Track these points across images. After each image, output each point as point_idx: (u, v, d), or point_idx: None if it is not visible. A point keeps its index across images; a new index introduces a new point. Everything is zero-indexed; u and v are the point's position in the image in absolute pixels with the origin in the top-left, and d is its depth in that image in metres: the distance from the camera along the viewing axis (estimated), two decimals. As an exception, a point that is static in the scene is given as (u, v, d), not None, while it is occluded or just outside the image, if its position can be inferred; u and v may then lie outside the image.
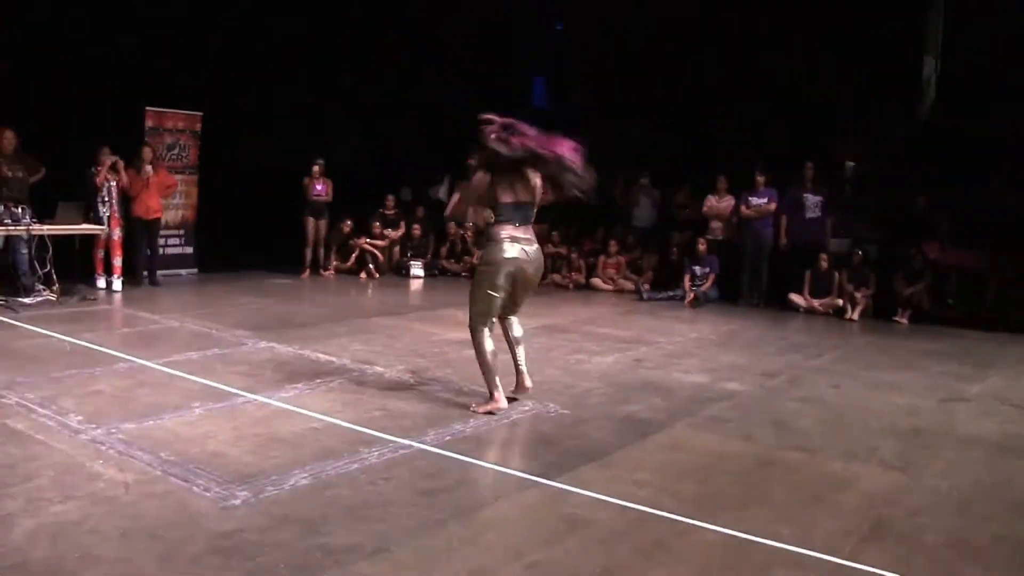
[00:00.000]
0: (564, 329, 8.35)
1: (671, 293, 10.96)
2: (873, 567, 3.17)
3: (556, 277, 12.06)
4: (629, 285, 11.55)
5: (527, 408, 5.28)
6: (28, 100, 9.31)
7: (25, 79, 9.43)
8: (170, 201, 11.09)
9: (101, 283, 9.80)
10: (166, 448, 4.17)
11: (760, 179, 10.87)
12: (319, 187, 11.99)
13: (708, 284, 10.88)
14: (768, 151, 11.17)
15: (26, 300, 8.47)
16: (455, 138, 13.31)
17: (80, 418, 4.63)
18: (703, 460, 4.43)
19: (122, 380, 5.53)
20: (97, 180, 9.69)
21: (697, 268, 11.04)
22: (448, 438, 4.58)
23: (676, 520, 3.54)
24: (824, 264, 10.35)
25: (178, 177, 11.18)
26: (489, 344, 5.19)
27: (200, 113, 11.54)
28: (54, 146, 9.40)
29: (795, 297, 10.45)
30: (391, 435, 4.57)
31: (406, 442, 4.46)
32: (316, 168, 11.87)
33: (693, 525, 3.50)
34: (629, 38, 13.25)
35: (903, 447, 4.83)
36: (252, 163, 11.61)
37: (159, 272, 10.53)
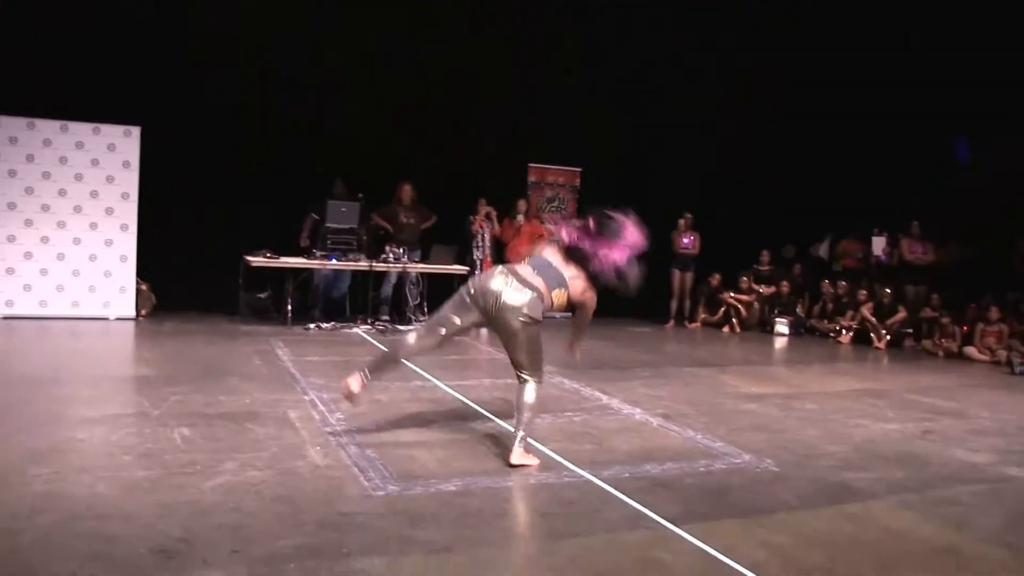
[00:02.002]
0: (880, 395, 7.75)
1: (1062, 369, 9.51)
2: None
3: (928, 344, 11.08)
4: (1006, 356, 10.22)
5: (738, 461, 5.17)
6: (423, 156, 11.07)
7: (420, 139, 11.22)
8: (541, 249, 12.28)
9: (473, 318, 11.20)
10: (376, 448, 4.92)
11: None
12: (686, 240, 12.39)
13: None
14: None
15: (402, 327, 10.05)
16: (840, 194, 13.08)
17: (341, 417, 5.60)
18: (867, 536, 4.04)
19: (403, 394, 6.47)
20: (473, 227, 11.16)
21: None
22: (626, 475, 4.71)
23: (759, 582, 3.41)
24: None
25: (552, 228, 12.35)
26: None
27: (579, 169, 12.63)
28: (442, 197, 11.03)
29: None
30: (573, 464, 4.84)
31: (579, 471, 4.70)
32: (683, 222, 12.30)
33: (774, 590, 3.34)
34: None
35: None
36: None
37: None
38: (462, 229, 11.22)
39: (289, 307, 9.80)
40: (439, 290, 10.67)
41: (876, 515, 4.35)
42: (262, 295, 10.41)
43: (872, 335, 11.49)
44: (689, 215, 12.32)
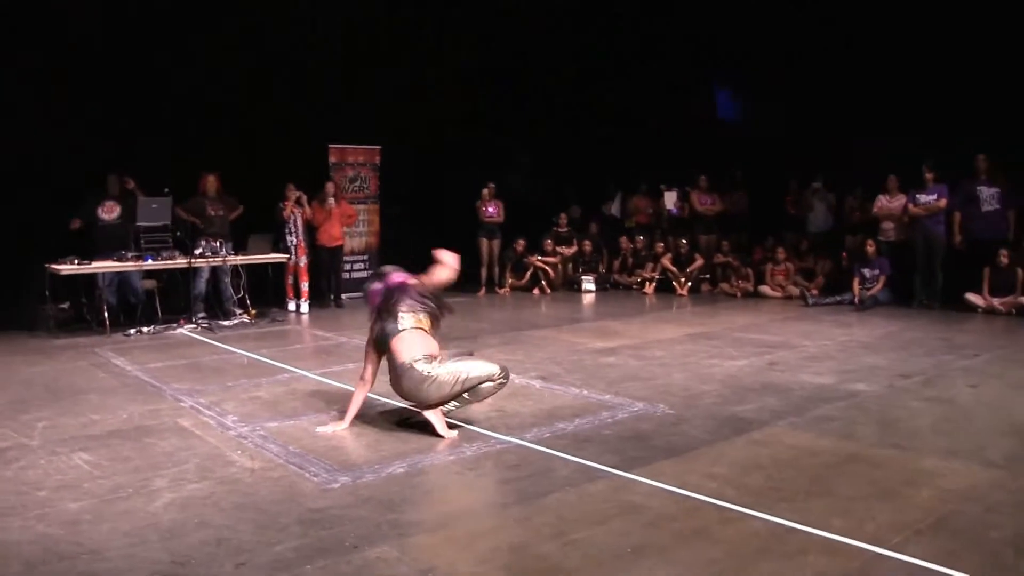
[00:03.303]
0: (712, 336, 8.48)
1: (839, 298, 10.78)
2: (913, 557, 3.22)
3: (725, 286, 12.16)
4: (796, 291, 11.41)
5: (636, 409, 5.54)
6: (227, 146, 10.58)
7: (220, 128, 10.71)
8: (353, 229, 12.16)
9: (291, 306, 10.93)
10: (296, 443, 4.81)
11: (928, 175, 10.49)
12: (491, 209, 12.70)
13: (879, 287, 10.59)
14: (939, 145, 10.72)
15: (225, 323, 9.64)
16: (625, 153, 13.94)
17: (235, 418, 5.39)
18: (786, 456, 4.54)
19: (279, 388, 6.31)
20: (284, 214, 10.84)
21: (866, 271, 10.76)
22: (547, 435, 4.94)
23: (728, 508, 3.74)
24: (1005, 260, 9.83)
25: (360, 207, 12.27)
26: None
27: (378, 147, 12.57)
28: (247, 185, 10.61)
29: (973, 297, 9.97)
30: (495, 432, 5.00)
31: (505, 438, 4.88)
32: (486, 191, 12.60)
33: (743, 514, 3.67)
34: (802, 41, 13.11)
35: (1019, 448, 4.69)
36: (428, 189, 12.51)
37: (344, 295, 11.55)
38: (271, 217, 10.85)
39: (107, 314, 9.09)
40: (261, 280, 10.37)
41: (779, 438, 4.87)
42: (64, 306, 9.58)
43: (674, 283, 12.40)
44: (492, 184, 12.64)
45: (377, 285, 5.19)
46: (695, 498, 3.87)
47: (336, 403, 5.70)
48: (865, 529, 3.51)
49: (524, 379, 6.53)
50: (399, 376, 4.90)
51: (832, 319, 9.62)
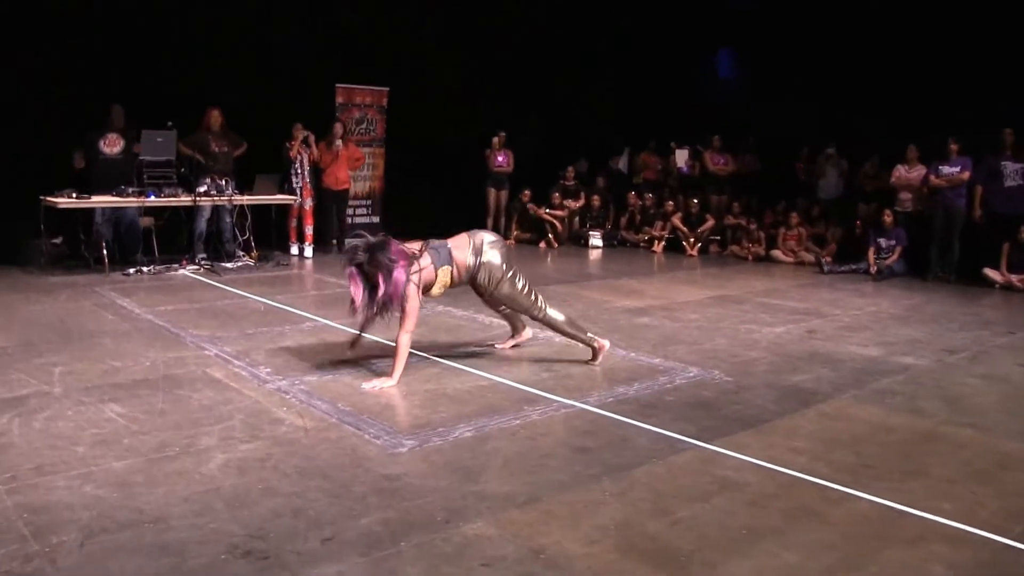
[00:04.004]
0: (738, 300, 8.23)
1: (854, 266, 10.53)
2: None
3: (735, 248, 11.90)
4: (810, 258, 11.20)
5: (692, 374, 5.29)
6: (231, 80, 10.06)
7: (228, 62, 10.18)
8: (358, 173, 11.70)
9: (294, 250, 10.54)
10: (343, 399, 4.50)
11: (953, 147, 10.19)
12: (500, 158, 12.30)
13: (894, 257, 10.35)
14: (961, 117, 10.48)
15: (228, 265, 9.23)
16: (635, 109, 13.57)
17: (269, 370, 5.06)
18: (864, 431, 4.31)
19: (307, 338, 5.98)
20: (291, 154, 10.38)
21: (883, 240, 10.53)
22: (610, 400, 4.68)
23: (829, 487, 3.50)
24: None
25: (366, 150, 11.79)
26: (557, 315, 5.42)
27: (387, 88, 12.07)
28: (253, 123, 10.13)
29: (991, 272, 9.75)
30: (555, 395, 4.72)
31: (568, 402, 4.60)
32: (497, 140, 12.19)
33: (846, 493, 3.44)
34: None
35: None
36: (436, 136, 12.04)
37: (347, 240, 11.16)
38: (276, 157, 10.38)
39: (105, 251, 8.64)
40: (265, 222, 9.95)
41: (848, 412, 4.64)
42: (57, 241, 9.10)
43: (684, 243, 12.11)
44: (503, 133, 12.23)
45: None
46: (788, 474, 3.63)
47: (374, 356, 5.38)
48: (979, 516, 3.28)
49: (564, 339, 6.21)
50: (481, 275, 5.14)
51: (850, 288, 9.39)
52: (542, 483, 3.45)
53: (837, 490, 3.48)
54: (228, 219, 9.61)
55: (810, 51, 12.24)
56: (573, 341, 5.54)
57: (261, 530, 2.94)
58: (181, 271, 8.82)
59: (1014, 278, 9.55)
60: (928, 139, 10.51)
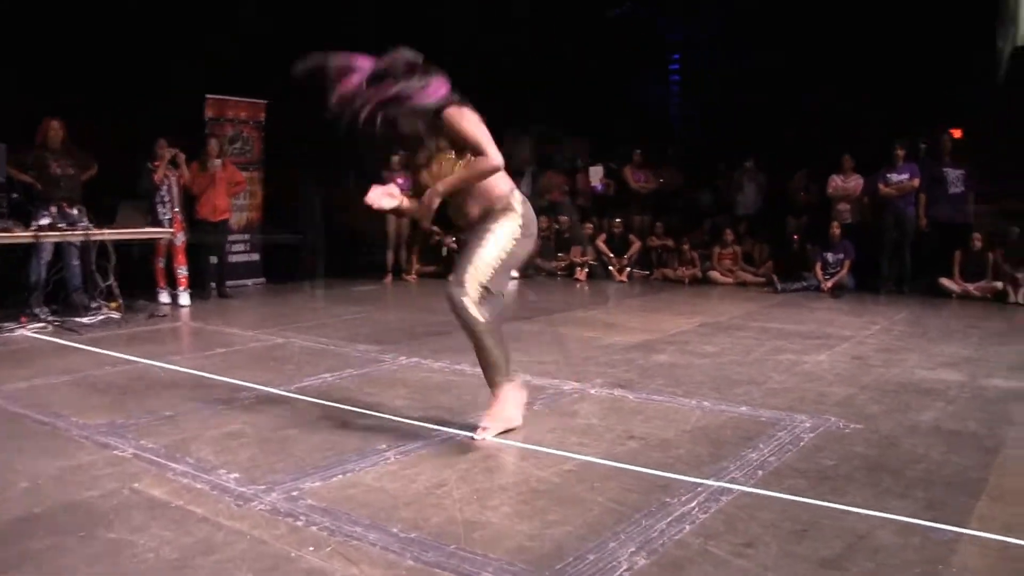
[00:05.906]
0: (735, 327, 6.98)
1: (805, 284, 9.72)
2: None
3: (667, 272, 10.72)
4: (749, 277, 10.31)
5: (807, 425, 3.92)
6: (77, 89, 7.88)
7: (73, 66, 8.01)
8: (233, 202, 9.59)
9: (164, 297, 8.39)
10: (392, 518, 2.74)
11: (900, 153, 9.63)
12: (400, 181, 10.54)
13: (844, 271, 9.65)
14: (901, 125, 9.95)
15: (84, 320, 7.05)
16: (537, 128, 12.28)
17: (236, 475, 3.19)
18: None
19: (258, 416, 4.08)
20: (155, 177, 8.27)
21: (830, 255, 9.81)
22: (761, 472, 3.21)
23: None
24: (978, 244, 9.18)
25: (243, 175, 9.72)
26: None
27: (264, 101, 10.10)
28: (106, 140, 7.98)
29: (946, 282, 9.23)
30: (679, 474, 3.22)
31: (712, 483, 3.12)
32: (396, 159, 10.41)
33: None
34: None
35: None
36: (323, 157, 10.17)
37: (228, 283, 9.10)
38: (134, 182, 8.22)
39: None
40: (130, 263, 7.81)
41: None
42: None
43: (610, 268, 10.79)
44: (403, 151, 10.49)
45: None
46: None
47: (382, 437, 3.59)
48: None
49: (600, 389, 4.66)
50: None
51: (822, 306, 8.51)
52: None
53: None
54: (76, 261, 7.41)
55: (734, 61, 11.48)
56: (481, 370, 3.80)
57: None
58: (20, 331, 6.57)
59: (971, 287, 9.03)
60: (864, 148, 9.93)
